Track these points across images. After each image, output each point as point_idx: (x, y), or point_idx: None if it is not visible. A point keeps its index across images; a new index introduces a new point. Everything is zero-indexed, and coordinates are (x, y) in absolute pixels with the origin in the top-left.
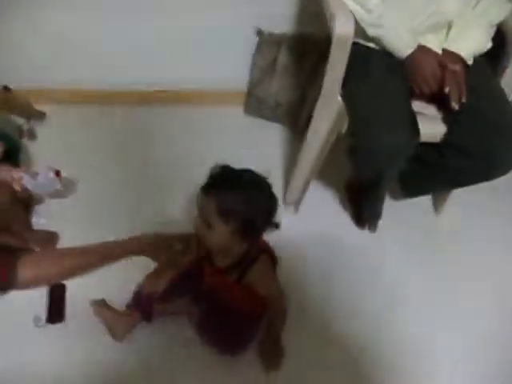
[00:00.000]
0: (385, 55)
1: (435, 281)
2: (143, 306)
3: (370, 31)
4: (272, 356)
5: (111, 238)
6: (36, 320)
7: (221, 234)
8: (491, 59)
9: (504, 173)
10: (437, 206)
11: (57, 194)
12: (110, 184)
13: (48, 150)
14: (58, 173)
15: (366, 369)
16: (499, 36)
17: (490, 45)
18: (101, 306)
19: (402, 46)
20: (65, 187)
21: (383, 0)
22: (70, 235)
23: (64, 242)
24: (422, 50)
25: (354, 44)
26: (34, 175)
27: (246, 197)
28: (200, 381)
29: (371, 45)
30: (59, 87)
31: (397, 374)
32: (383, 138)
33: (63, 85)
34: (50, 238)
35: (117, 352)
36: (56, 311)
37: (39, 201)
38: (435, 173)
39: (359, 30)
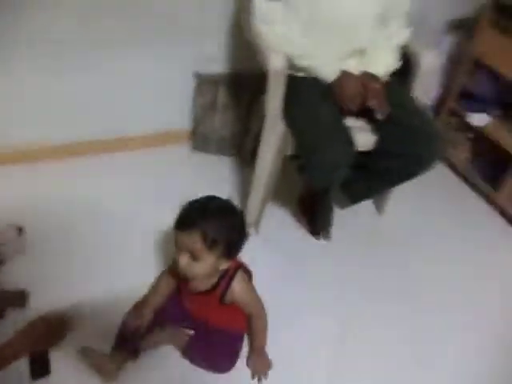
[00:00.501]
0: (315, 82)
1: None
2: (129, 343)
3: (299, 62)
4: (260, 365)
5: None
6: (18, 380)
7: (208, 263)
8: (402, 75)
9: (428, 167)
10: (379, 208)
11: (17, 252)
12: (61, 240)
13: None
14: (20, 229)
15: None
16: (405, 56)
17: (399, 63)
18: (87, 351)
19: (328, 73)
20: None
21: (307, 35)
22: (38, 290)
23: (34, 297)
24: (345, 74)
25: (288, 76)
26: None
27: (226, 222)
28: None
29: (301, 74)
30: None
31: None
32: (326, 154)
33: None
34: (21, 296)
35: None
36: (40, 365)
37: (3, 260)
38: (372, 177)
39: (291, 64)
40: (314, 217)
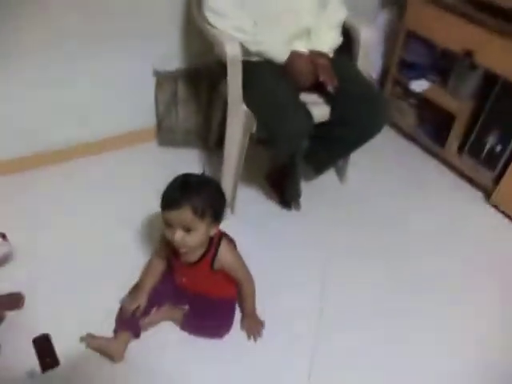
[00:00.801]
0: (269, 64)
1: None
2: (130, 324)
3: (252, 48)
4: (253, 326)
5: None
6: (30, 375)
7: (201, 231)
8: (345, 50)
9: (378, 130)
10: (341, 177)
11: (6, 258)
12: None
13: None
14: (3, 235)
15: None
16: (346, 32)
17: (341, 39)
18: (91, 337)
19: (279, 54)
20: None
21: (256, 23)
22: (33, 292)
23: (29, 300)
24: (294, 54)
25: (244, 61)
26: None
27: (208, 191)
28: (203, 369)
29: (256, 59)
30: None
31: None
32: (287, 125)
33: None
34: (16, 299)
35: (120, 372)
36: (48, 358)
37: None
38: (331, 145)
39: (245, 51)
40: (284, 189)
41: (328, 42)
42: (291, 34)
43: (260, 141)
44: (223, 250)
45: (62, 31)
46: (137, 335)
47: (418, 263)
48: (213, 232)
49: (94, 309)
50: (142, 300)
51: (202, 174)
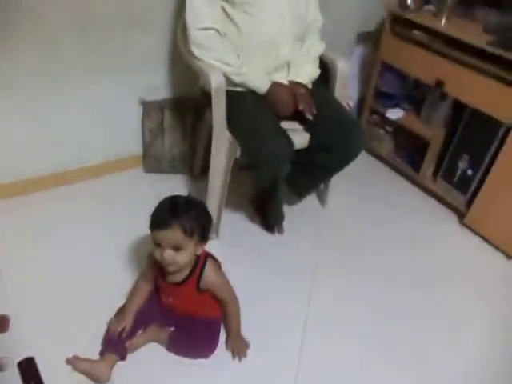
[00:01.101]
0: (251, 94)
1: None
2: (116, 346)
3: (235, 79)
4: (239, 346)
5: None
6: None
7: (190, 250)
8: (323, 81)
9: (355, 155)
10: (322, 201)
11: None
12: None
13: None
14: None
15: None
16: (323, 64)
17: (318, 71)
18: (77, 359)
19: (261, 85)
20: None
21: (239, 56)
22: (18, 315)
23: (15, 323)
24: (275, 84)
25: (228, 91)
26: None
27: (195, 211)
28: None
29: (239, 89)
30: None
31: None
32: (269, 151)
33: None
34: (2, 321)
35: None
36: (33, 382)
37: None
38: (311, 171)
39: (228, 81)
40: (267, 213)
41: (306, 74)
42: (272, 67)
43: (243, 167)
44: (208, 269)
45: (54, 57)
46: (123, 357)
47: (395, 280)
48: (199, 251)
49: (81, 331)
50: (127, 321)
51: (189, 195)
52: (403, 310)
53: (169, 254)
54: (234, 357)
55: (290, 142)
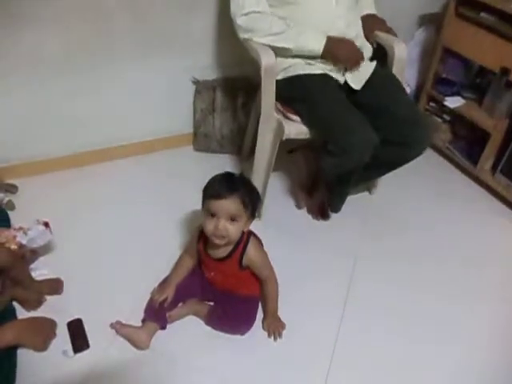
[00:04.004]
0: (317, 77)
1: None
2: (157, 315)
3: (289, 45)
4: (275, 326)
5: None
6: (65, 353)
7: (242, 223)
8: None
9: (420, 152)
10: (370, 188)
11: (47, 247)
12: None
13: (27, 218)
14: (46, 224)
15: None
16: (380, 48)
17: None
18: (120, 324)
19: (316, 43)
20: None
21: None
22: (72, 279)
23: (68, 286)
24: (330, 39)
25: (292, 78)
26: (26, 231)
27: (250, 188)
28: (225, 362)
29: (313, 71)
30: (24, 162)
31: None
32: (358, 141)
33: (27, 159)
34: (56, 284)
35: (144, 359)
36: (80, 341)
37: (35, 255)
38: (373, 165)
39: (296, 66)
40: (323, 200)
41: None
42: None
43: (292, 149)
44: (251, 247)
45: (112, 40)
46: (163, 327)
47: (442, 273)
48: (247, 227)
49: (126, 298)
50: (169, 292)
51: (241, 174)
52: (444, 300)
53: (223, 224)
54: (269, 335)
55: (373, 130)
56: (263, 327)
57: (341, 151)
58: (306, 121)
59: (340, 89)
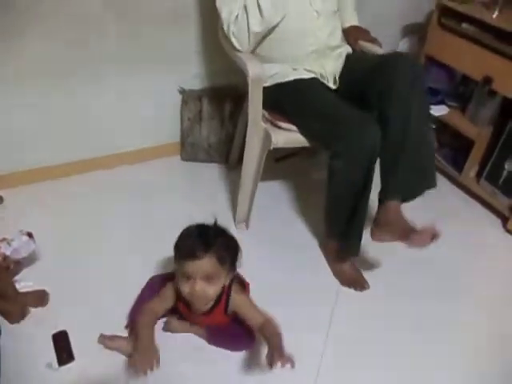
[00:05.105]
0: (307, 81)
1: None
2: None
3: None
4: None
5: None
6: (49, 366)
7: (221, 280)
8: None
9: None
10: None
11: (31, 257)
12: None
13: (12, 229)
14: (30, 234)
15: None
16: None
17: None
18: (107, 338)
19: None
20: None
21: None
22: (57, 291)
23: (53, 298)
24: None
25: (291, 82)
26: (10, 241)
27: (226, 240)
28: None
29: (295, 77)
30: (10, 172)
31: None
32: (362, 125)
33: (13, 170)
34: (41, 296)
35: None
36: (65, 353)
37: (19, 266)
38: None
39: (289, 72)
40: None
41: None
42: (310, 51)
43: (279, 158)
44: (235, 294)
45: (99, 50)
46: None
47: (429, 280)
48: (228, 281)
49: (111, 310)
50: (154, 356)
51: (215, 222)
52: (436, 315)
53: (200, 286)
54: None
55: (374, 121)
56: (267, 363)
57: (349, 145)
58: (301, 126)
59: (330, 90)
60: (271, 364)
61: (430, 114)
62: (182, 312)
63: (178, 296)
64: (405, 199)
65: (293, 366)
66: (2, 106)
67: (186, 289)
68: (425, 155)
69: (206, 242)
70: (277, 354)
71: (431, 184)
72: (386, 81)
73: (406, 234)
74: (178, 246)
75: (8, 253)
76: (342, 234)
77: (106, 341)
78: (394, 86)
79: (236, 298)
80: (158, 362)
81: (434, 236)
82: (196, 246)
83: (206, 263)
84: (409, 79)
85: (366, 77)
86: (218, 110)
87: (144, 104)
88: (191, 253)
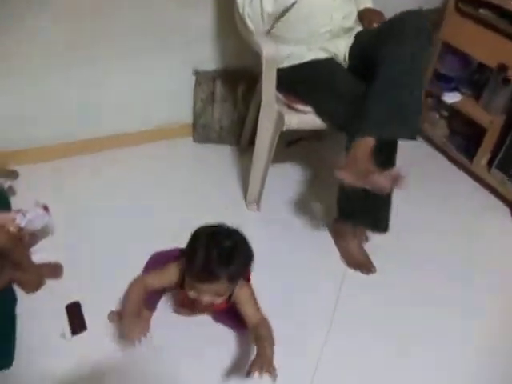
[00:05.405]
0: (324, 61)
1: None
2: (148, 304)
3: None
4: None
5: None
6: (63, 335)
7: (229, 291)
8: None
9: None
10: None
11: (46, 230)
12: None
13: (28, 203)
14: (45, 207)
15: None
16: None
17: None
18: (115, 314)
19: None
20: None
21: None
22: (71, 264)
23: (67, 270)
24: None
25: (299, 65)
26: (25, 213)
27: (243, 257)
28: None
29: (311, 57)
30: (25, 148)
31: None
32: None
33: (28, 146)
34: (55, 268)
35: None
36: (78, 323)
37: (35, 238)
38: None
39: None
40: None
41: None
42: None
43: (291, 142)
44: (238, 287)
45: (114, 31)
46: (151, 308)
47: (439, 270)
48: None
49: (125, 283)
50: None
51: (235, 229)
52: (443, 300)
53: (208, 299)
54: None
55: None
56: (250, 369)
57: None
58: (317, 106)
59: (345, 70)
60: (259, 372)
61: (425, 69)
62: (186, 304)
63: (181, 284)
64: (376, 136)
65: (274, 380)
66: (18, 81)
67: (192, 295)
68: (408, 98)
69: (220, 266)
70: (266, 366)
71: (410, 134)
72: (394, 41)
73: (367, 174)
74: (191, 261)
75: (23, 224)
76: (363, 212)
77: (116, 317)
78: (400, 44)
79: (239, 292)
80: (147, 330)
81: (395, 180)
82: (210, 270)
83: (217, 286)
84: (413, 34)
85: (373, 43)
86: (231, 92)
87: (157, 84)
88: (204, 276)
